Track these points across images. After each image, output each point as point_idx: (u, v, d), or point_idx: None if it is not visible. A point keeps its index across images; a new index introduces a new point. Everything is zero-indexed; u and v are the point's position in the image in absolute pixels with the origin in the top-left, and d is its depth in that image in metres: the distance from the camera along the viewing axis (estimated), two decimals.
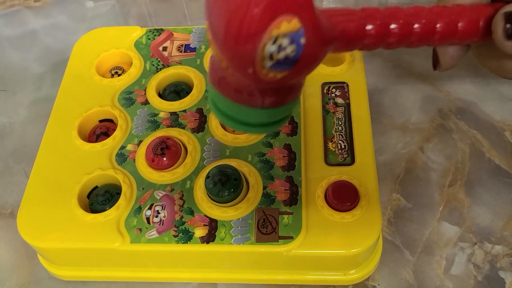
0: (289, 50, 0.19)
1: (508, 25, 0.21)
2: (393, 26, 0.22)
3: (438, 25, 0.22)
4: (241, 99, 0.21)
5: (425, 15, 0.23)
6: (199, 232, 0.26)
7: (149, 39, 0.35)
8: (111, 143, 0.30)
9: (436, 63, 0.26)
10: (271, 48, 0.18)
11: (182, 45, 0.34)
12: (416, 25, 0.22)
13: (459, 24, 0.23)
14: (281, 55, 0.19)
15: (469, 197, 0.32)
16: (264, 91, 0.21)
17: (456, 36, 0.23)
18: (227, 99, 0.21)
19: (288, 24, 0.18)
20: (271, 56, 0.19)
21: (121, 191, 0.28)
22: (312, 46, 0.19)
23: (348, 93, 0.31)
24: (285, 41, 0.18)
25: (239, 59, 0.19)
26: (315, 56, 0.20)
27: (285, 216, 0.27)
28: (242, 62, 0.19)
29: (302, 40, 0.19)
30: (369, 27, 0.22)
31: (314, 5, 0.19)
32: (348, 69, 0.32)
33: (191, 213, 0.27)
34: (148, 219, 0.27)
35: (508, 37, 0.21)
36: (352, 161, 0.29)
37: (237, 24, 0.18)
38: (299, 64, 0.19)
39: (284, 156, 0.29)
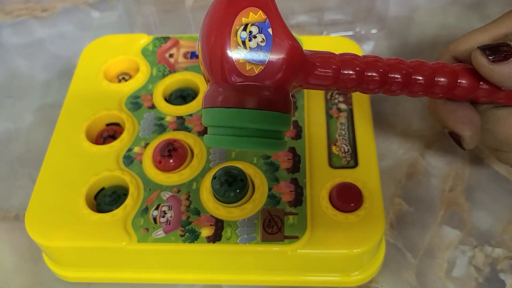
0: (260, 38, 0.21)
1: (487, 52, 0.24)
2: (369, 73, 0.24)
3: (415, 77, 0.24)
4: (233, 100, 0.22)
5: (403, 67, 0.24)
6: (206, 231, 0.27)
7: (156, 46, 0.36)
8: (118, 145, 0.30)
9: (458, 139, 0.26)
10: (242, 34, 0.21)
11: (188, 52, 0.35)
12: (392, 75, 0.24)
13: (438, 78, 0.24)
14: (253, 43, 0.21)
15: (469, 201, 0.32)
16: (249, 89, 0.22)
17: (435, 88, 0.24)
18: (222, 109, 0.22)
19: (254, 15, 0.21)
20: (244, 43, 0.21)
21: (127, 193, 0.29)
22: (281, 40, 0.21)
23: (351, 99, 0.32)
24: (254, 29, 0.21)
25: (218, 49, 0.21)
26: (286, 53, 0.22)
27: (290, 217, 0.27)
28: (220, 52, 0.21)
29: (270, 31, 0.21)
30: (345, 71, 0.23)
31: (275, 3, 0.22)
32: None
33: (198, 213, 0.27)
34: (155, 219, 0.27)
35: (493, 61, 0.23)
36: (356, 164, 0.29)
37: (214, 17, 0.22)
38: (272, 58, 0.21)
39: (288, 159, 0.29)
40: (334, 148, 0.30)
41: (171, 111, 0.32)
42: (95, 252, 0.28)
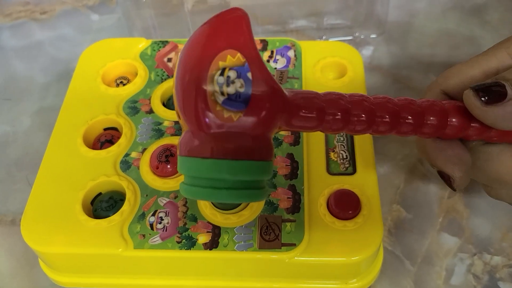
0: (238, 84, 0.20)
1: (480, 93, 0.23)
2: (355, 113, 0.22)
3: (404, 116, 0.23)
4: (210, 149, 0.20)
5: (391, 106, 0.23)
6: (202, 238, 0.27)
7: (154, 50, 0.35)
8: (115, 151, 0.30)
9: (447, 180, 0.25)
10: (219, 79, 0.19)
11: None
12: (380, 114, 0.23)
13: (428, 117, 0.23)
14: (231, 89, 0.20)
15: (468, 208, 0.32)
16: (228, 138, 0.20)
17: (425, 127, 0.24)
18: (197, 160, 0.20)
19: (232, 58, 0.20)
20: (221, 90, 0.19)
21: (124, 198, 0.28)
22: (261, 84, 0.20)
23: None
24: (232, 74, 0.20)
25: (192, 96, 0.20)
26: (266, 98, 0.20)
27: (288, 224, 0.27)
28: (195, 96, 0.20)
29: (249, 75, 0.20)
30: (330, 111, 0.22)
31: (255, 45, 0.20)
32: (350, 82, 0.33)
33: (195, 220, 0.27)
34: (151, 225, 0.27)
35: (486, 103, 0.22)
36: (354, 171, 0.29)
37: (188, 60, 0.20)
38: (252, 105, 0.20)
39: (286, 165, 0.29)
40: (332, 155, 0.30)
41: (169, 116, 0.32)
42: (91, 258, 0.27)
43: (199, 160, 0.20)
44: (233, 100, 0.20)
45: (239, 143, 0.20)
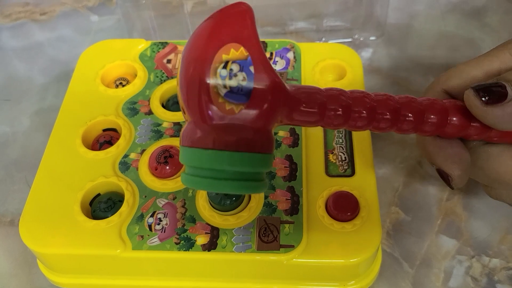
0: (241, 77, 0.20)
1: (481, 93, 0.23)
2: (356, 109, 0.23)
3: (404, 114, 0.23)
4: (211, 140, 0.21)
5: (392, 104, 0.23)
6: (201, 239, 0.27)
7: (154, 51, 0.35)
8: (114, 151, 0.30)
9: (446, 178, 0.25)
10: (222, 72, 0.20)
11: None
12: (380, 111, 0.23)
13: (429, 114, 0.24)
14: (234, 82, 0.20)
15: (466, 211, 0.32)
16: (229, 129, 0.21)
17: (425, 125, 0.24)
18: (200, 150, 0.21)
19: (235, 52, 0.20)
20: (223, 82, 0.20)
21: (123, 199, 0.28)
22: (263, 78, 0.20)
23: None
24: (235, 67, 0.20)
25: (195, 88, 0.20)
26: (268, 92, 0.21)
27: (286, 225, 0.27)
28: (198, 88, 0.20)
29: (252, 69, 0.20)
30: (331, 107, 0.22)
31: (258, 39, 0.21)
32: (349, 84, 0.33)
33: (193, 221, 0.27)
34: (150, 226, 0.27)
35: (487, 103, 0.23)
36: (352, 173, 0.29)
37: (192, 54, 0.20)
38: (253, 98, 0.20)
39: (285, 167, 0.29)
40: (331, 157, 0.30)
41: (168, 117, 0.32)
42: (89, 259, 0.27)
43: (201, 151, 0.21)
44: (235, 93, 0.20)
45: (240, 135, 0.21)
